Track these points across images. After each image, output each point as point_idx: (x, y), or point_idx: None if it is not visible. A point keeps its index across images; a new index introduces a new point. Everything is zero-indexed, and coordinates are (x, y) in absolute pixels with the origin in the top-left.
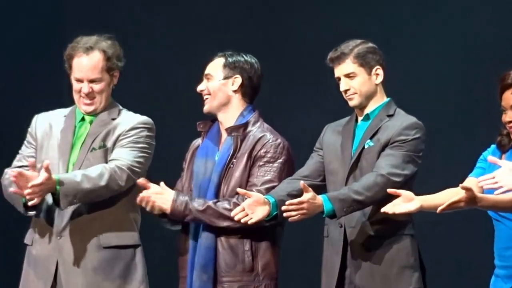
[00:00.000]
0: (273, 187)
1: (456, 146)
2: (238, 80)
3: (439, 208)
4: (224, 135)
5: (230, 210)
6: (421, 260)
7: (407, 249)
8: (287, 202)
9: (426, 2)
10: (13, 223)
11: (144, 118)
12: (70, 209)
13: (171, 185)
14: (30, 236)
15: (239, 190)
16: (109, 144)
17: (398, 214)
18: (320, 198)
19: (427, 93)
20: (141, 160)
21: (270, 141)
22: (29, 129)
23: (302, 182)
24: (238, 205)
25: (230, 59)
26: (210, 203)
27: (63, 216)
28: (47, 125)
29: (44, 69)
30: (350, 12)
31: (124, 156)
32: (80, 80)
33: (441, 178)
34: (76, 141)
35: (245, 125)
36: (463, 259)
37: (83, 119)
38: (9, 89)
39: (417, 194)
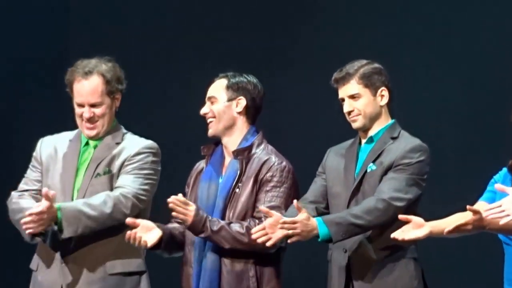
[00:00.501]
0: (280, 213)
1: (466, 169)
2: (242, 101)
3: (446, 230)
4: (228, 158)
5: (243, 234)
6: (425, 283)
7: (411, 272)
8: (280, 221)
9: (436, 23)
10: (20, 247)
11: (149, 143)
12: (76, 235)
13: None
14: (36, 261)
15: (261, 208)
16: (114, 169)
17: (407, 241)
18: (314, 221)
19: (435, 114)
20: (146, 187)
21: (276, 164)
22: (34, 153)
23: (295, 201)
24: (250, 228)
25: (232, 80)
26: (224, 224)
27: (68, 243)
28: (52, 149)
29: (50, 91)
30: (358, 31)
31: (129, 184)
32: (81, 105)
33: (450, 201)
34: (80, 166)
35: (250, 147)
36: (470, 282)
37: (87, 143)
38: (15, 111)
39: (425, 218)
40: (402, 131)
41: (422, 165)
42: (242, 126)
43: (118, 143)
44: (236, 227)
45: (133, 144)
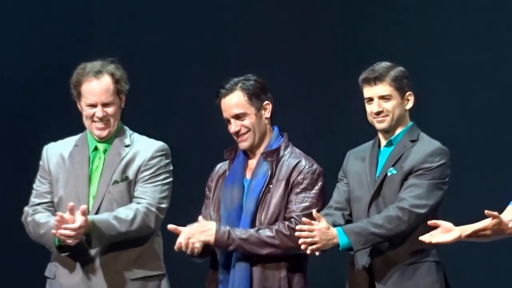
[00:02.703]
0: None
1: (490, 176)
2: (269, 106)
3: (464, 234)
4: (252, 160)
5: (273, 237)
6: (447, 286)
7: (433, 276)
8: (297, 227)
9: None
10: (32, 255)
11: (160, 145)
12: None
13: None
14: (52, 269)
15: (304, 220)
16: (130, 176)
17: (434, 244)
18: (334, 230)
19: (457, 118)
20: (166, 194)
21: (307, 167)
22: (41, 162)
23: (314, 211)
24: (281, 232)
25: (249, 89)
26: (253, 231)
27: (90, 252)
28: (59, 157)
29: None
30: (377, 31)
31: (150, 195)
32: (93, 105)
33: (481, 207)
34: (92, 173)
35: (278, 150)
36: (492, 285)
37: (95, 148)
38: (25, 120)
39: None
40: (421, 133)
41: (443, 169)
42: (269, 129)
43: (127, 146)
44: (266, 232)
45: (145, 148)
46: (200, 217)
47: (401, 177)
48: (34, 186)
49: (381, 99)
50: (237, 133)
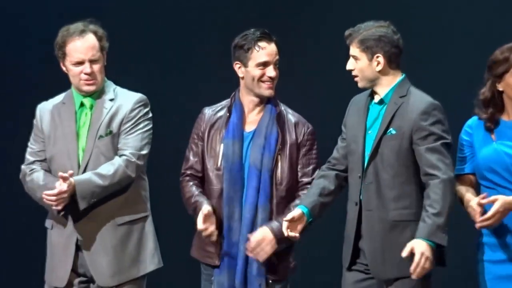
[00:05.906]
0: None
1: None
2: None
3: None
4: (250, 114)
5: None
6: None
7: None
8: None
9: None
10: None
11: (139, 96)
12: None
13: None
14: (50, 220)
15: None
16: (114, 129)
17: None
18: (420, 241)
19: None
20: (146, 141)
21: (306, 129)
22: (35, 121)
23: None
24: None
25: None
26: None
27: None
28: (49, 115)
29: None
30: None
31: (132, 144)
32: (80, 63)
33: None
34: (80, 129)
35: (277, 103)
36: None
37: (82, 104)
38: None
39: None
40: (411, 87)
41: (442, 123)
42: None
43: (112, 99)
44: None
45: (126, 101)
46: (208, 209)
47: (400, 137)
48: (29, 144)
49: (353, 58)
50: (273, 79)
